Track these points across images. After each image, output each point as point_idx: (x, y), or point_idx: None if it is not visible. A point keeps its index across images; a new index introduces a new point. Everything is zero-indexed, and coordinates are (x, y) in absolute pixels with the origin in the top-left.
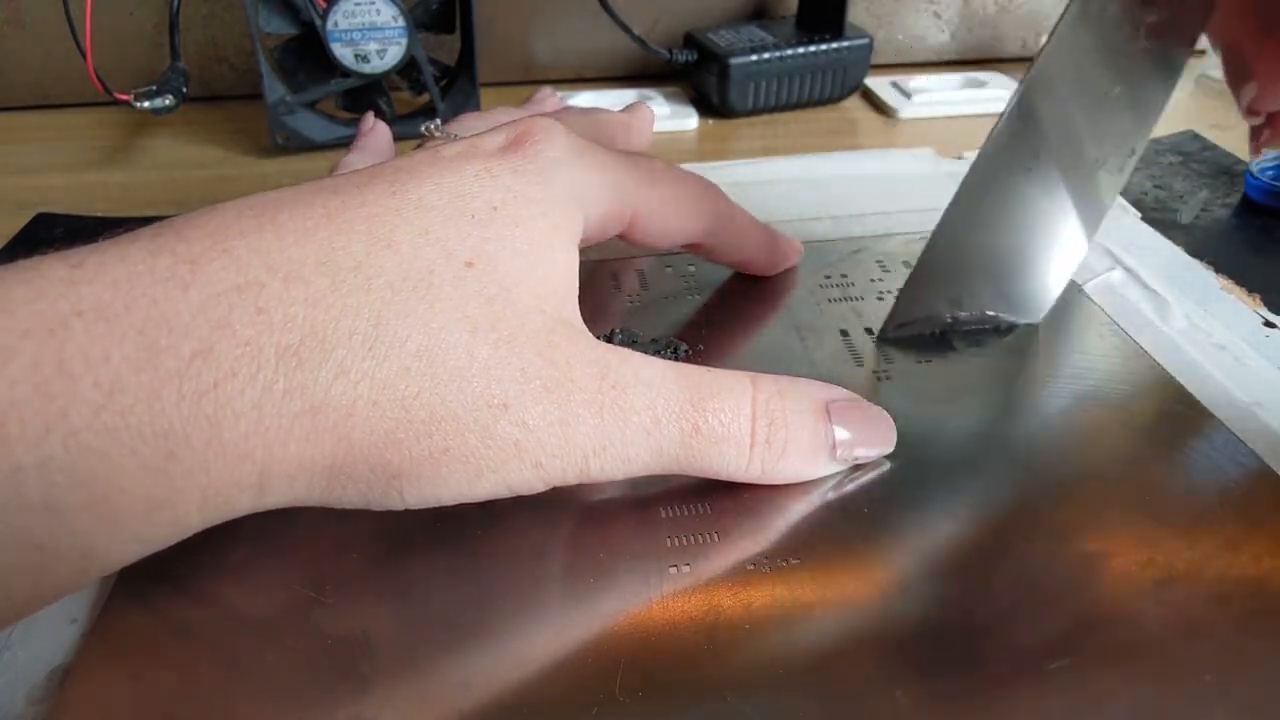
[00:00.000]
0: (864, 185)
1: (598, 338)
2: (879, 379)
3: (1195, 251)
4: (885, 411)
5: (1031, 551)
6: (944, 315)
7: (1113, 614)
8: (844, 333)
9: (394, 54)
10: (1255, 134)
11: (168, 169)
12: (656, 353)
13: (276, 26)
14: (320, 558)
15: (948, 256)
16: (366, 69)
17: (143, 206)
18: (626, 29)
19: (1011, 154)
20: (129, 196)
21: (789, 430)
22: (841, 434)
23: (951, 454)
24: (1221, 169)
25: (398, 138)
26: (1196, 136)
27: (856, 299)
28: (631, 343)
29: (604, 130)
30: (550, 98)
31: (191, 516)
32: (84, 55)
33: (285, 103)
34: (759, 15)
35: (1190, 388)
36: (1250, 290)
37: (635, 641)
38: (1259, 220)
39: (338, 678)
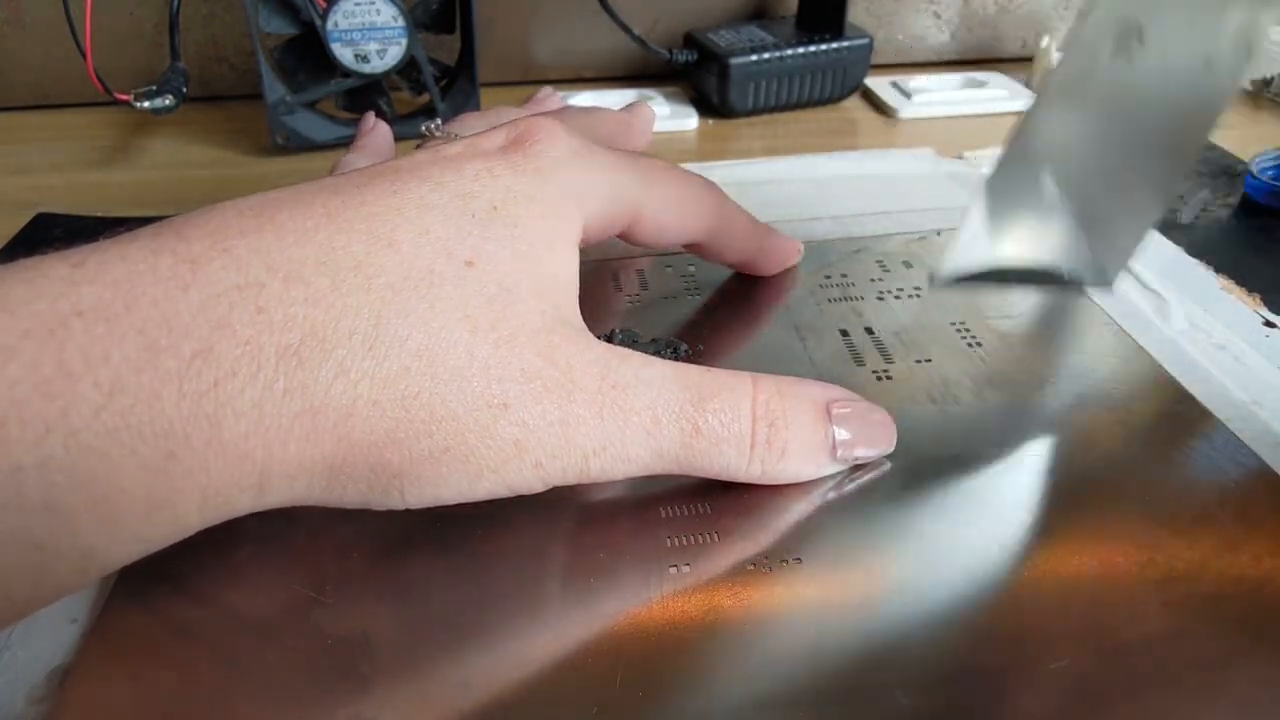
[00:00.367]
0: (864, 185)
1: (598, 338)
2: (879, 379)
3: (1195, 251)
4: (885, 412)
5: (1031, 551)
6: (1010, 259)
7: (1113, 614)
8: (844, 333)
9: (394, 54)
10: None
11: (168, 169)
12: (656, 353)
13: (276, 26)
14: (320, 558)
15: (1017, 182)
16: (366, 69)
17: (143, 206)
18: (626, 29)
19: (1116, 27)
20: (129, 196)
21: (789, 430)
22: (842, 434)
23: (952, 454)
24: (1221, 169)
25: (398, 138)
26: None
27: (856, 299)
28: (631, 343)
29: (604, 130)
30: (551, 97)
31: (191, 516)
32: (84, 55)
33: (285, 103)
34: (759, 15)
35: (1190, 388)
36: (1250, 290)
37: (635, 641)
38: (1259, 220)
39: (338, 678)
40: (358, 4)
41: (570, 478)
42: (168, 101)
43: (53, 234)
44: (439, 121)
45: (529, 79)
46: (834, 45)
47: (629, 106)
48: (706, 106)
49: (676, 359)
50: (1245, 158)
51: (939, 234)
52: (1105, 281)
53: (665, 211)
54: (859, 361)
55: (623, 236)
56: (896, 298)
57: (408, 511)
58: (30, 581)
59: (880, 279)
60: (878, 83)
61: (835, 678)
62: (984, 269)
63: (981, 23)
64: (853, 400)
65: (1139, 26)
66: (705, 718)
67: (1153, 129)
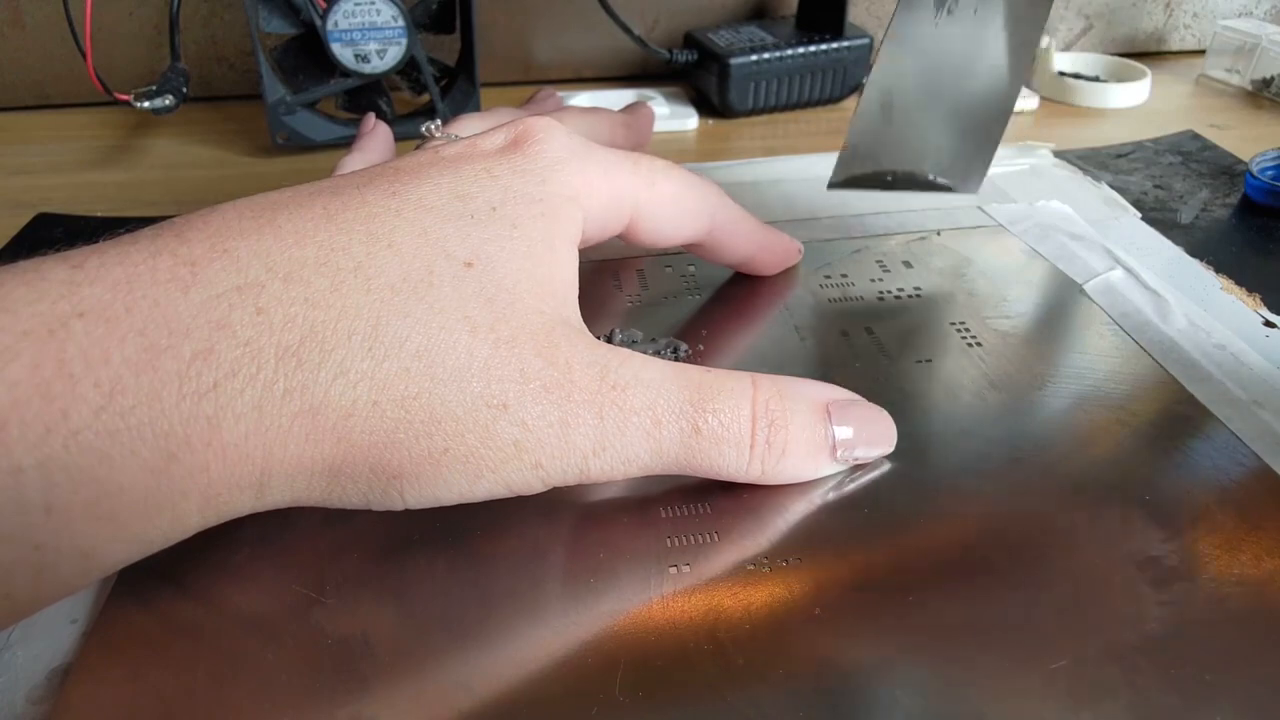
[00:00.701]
0: None
1: (598, 338)
2: (879, 379)
3: (1195, 251)
4: (885, 411)
5: (1031, 551)
6: (884, 172)
7: (1113, 614)
8: (844, 333)
9: (394, 54)
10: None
11: (168, 169)
12: (656, 353)
13: (276, 26)
14: (320, 558)
15: (880, 115)
16: (366, 69)
17: (143, 206)
18: (626, 29)
19: (926, 9)
20: (129, 196)
21: (789, 431)
22: (842, 434)
23: (952, 454)
24: (1221, 169)
25: (398, 138)
26: (1196, 136)
27: (856, 299)
28: (631, 343)
29: (604, 130)
30: (550, 97)
31: (192, 517)
32: (84, 55)
33: (285, 103)
34: (759, 15)
35: (1190, 388)
36: (1250, 290)
37: (635, 641)
38: (1259, 220)
39: (338, 678)
40: (358, 4)
41: (570, 478)
42: (168, 101)
43: (53, 234)
44: (439, 122)
45: (529, 79)
46: (834, 45)
47: (629, 106)
48: (706, 106)
49: (676, 359)
50: (1245, 158)
51: (939, 234)
52: (971, 189)
53: (665, 211)
54: (859, 361)
55: (623, 237)
56: (896, 298)
57: (407, 512)
58: (30, 582)
59: (880, 279)
60: None
61: (835, 678)
62: (866, 176)
63: None
64: (852, 400)
65: None
66: (705, 718)
67: (981, 66)
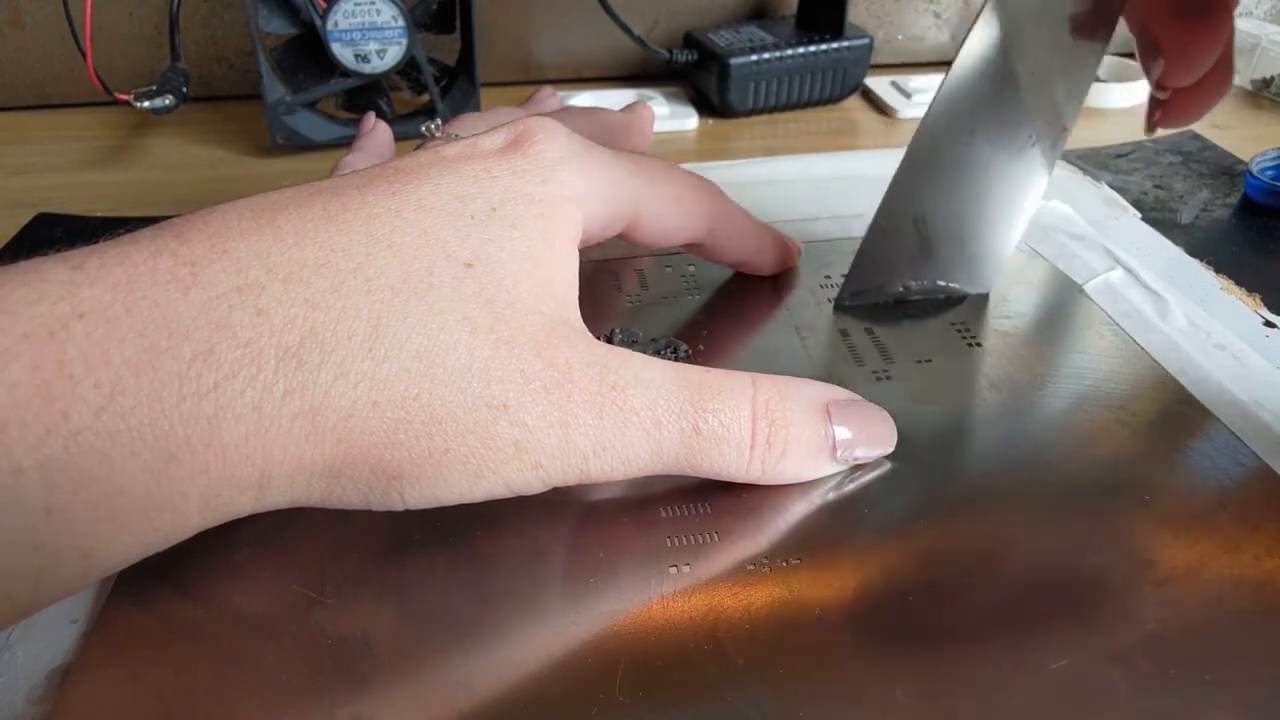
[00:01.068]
0: (864, 185)
1: (598, 338)
2: (879, 379)
3: (1195, 251)
4: (885, 411)
5: (1032, 551)
6: (896, 285)
7: (1113, 614)
8: (844, 333)
9: (394, 54)
10: (1153, 110)
11: (168, 169)
12: (656, 353)
13: (276, 26)
14: (320, 558)
15: (896, 226)
16: (366, 69)
17: (143, 206)
18: (626, 29)
19: (951, 126)
20: (129, 196)
21: (789, 431)
22: (842, 434)
23: (952, 454)
24: (1221, 169)
25: (398, 138)
26: (1196, 136)
27: None
28: (631, 343)
29: (604, 130)
30: (550, 97)
31: (192, 518)
32: (84, 55)
33: (285, 103)
34: (759, 15)
35: (1190, 388)
36: (1250, 290)
37: (635, 641)
38: (1259, 220)
39: (338, 678)
40: (358, 4)
41: (570, 478)
42: (168, 101)
43: (53, 234)
44: (439, 122)
45: (529, 79)
46: (834, 45)
47: (629, 106)
48: (706, 106)
49: (676, 359)
50: (1245, 158)
51: None
52: (985, 287)
53: (665, 211)
54: (859, 361)
55: (623, 236)
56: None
57: (408, 512)
58: (31, 582)
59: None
60: (878, 83)
61: (835, 678)
62: (875, 289)
63: None
64: (853, 400)
65: (969, 130)
66: (705, 718)
67: (1007, 174)
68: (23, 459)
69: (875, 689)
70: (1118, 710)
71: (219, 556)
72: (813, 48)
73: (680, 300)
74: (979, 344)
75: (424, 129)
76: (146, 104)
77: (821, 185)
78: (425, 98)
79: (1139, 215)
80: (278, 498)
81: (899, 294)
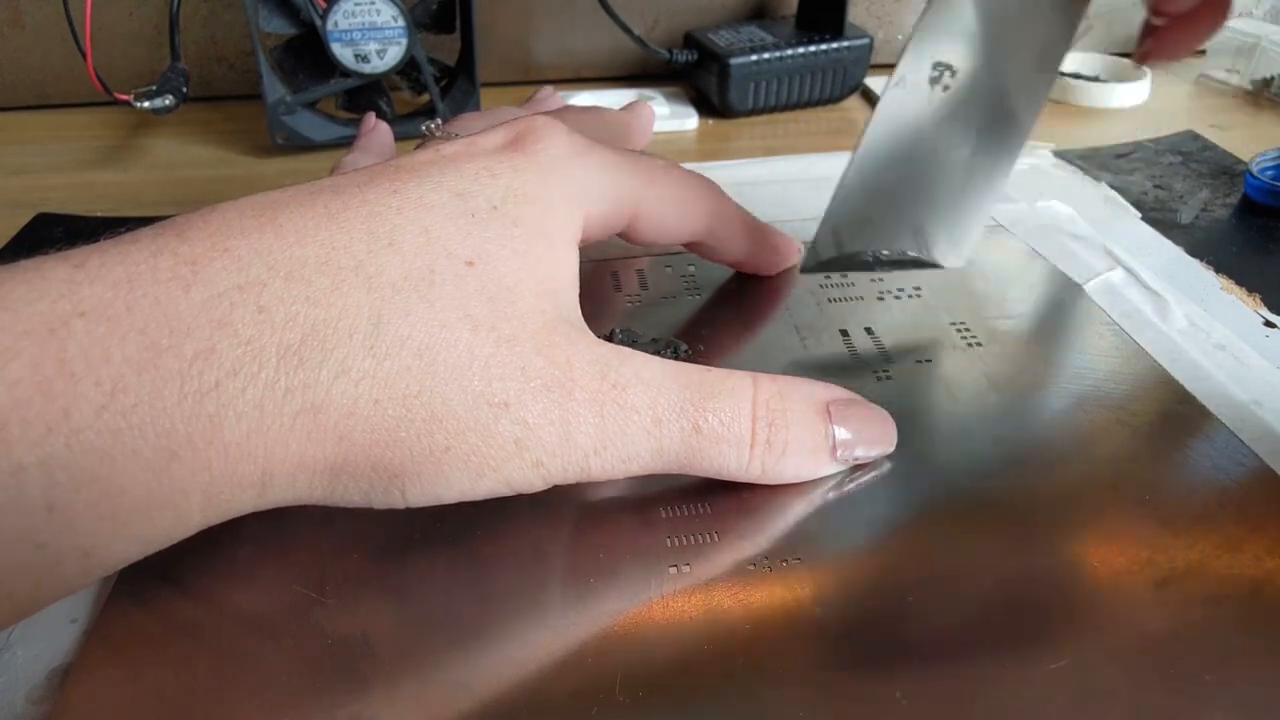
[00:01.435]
0: None
1: (598, 337)
2: (879, 379)
3: (1195, 251)
4: (885, 411)
5: (1032, 551)
6: (864, 252)
7: (1113, 614)
8: (844, 333)
9: (394, 54)
10: (1144, 39)
11: (168, 169)
12: (656, 352)
13: (276, 26)
14: (320, 558)
15: (863, 193)
16: (366, 69)
17: (143, 206)
18: (626, 29)
19: (920, 86)
20: (129, 196)
21: (789, 430)
22: (842, 434)
23: (951, 454)
24: (1221, 169)
25: (398, 138)
26: (1196, 136)
27: (856, 299)
28: (631, 342)
29: (604, 129)
30: (551, 97)
31: (193, 516)
32: (84, 55)
33: (285, 103)
34: (759, 15)
35: (1190, 388)
36: (1250, 290)
37: (635, 641)
38: (1259, 220)
39: (338, 678)
40: (358, 4)
41: (571, 476)
42: (168, 101)
43: (53, 234)
44: (439, 121)
45: (529, 79)
46: (834, 45)
47: (629, 106)
48: (706, 106)
49: (676, 359)
50: (1245, 158)
51: None
52: (956, 262)
53: (665, 210)
54: (859, 361)
55: (623, 235)
56: (896, 298)
57: (408, 511)
58: (32, 581)
59: (880, 279)
60: (878, 83)
61: (835, 678)
62: (844, 257)
63: None
64: (853, 400)
65: (949, 64)
66: (705, 718)
67: (976, 139)
68: (24, 457)
69: (875, 689)
70: (1118, 710)
71: (220, 556)
72: (813, 48)
73: (680, 300)
74: (979, 344)
75: (424, 128)
76: (146, 104)
77: (821, 185)
78: (425, 98)
79: (1139, 215)
80: (279, 496)
81: (868, 262)
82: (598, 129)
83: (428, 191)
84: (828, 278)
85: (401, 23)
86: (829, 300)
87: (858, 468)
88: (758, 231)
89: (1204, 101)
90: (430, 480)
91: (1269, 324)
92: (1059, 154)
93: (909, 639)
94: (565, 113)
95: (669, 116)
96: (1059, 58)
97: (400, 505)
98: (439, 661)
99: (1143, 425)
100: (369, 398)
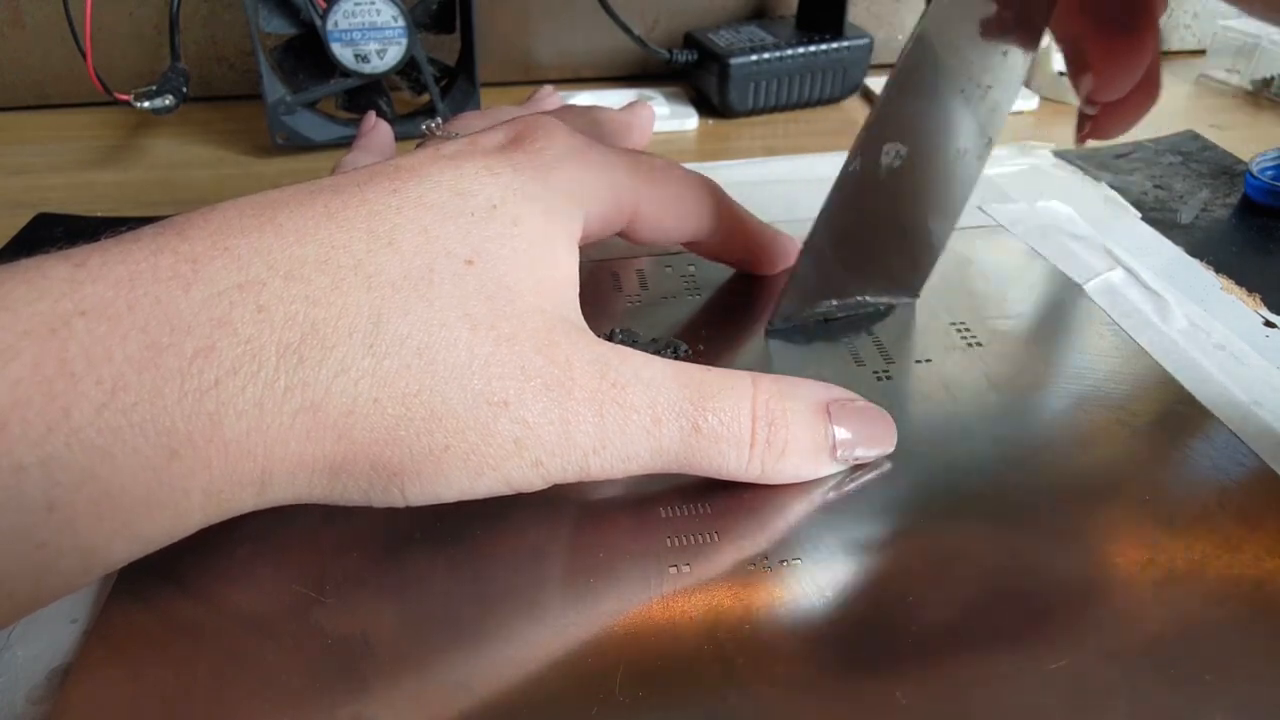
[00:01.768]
0: None
1: (597, 337)
2: (879, 379)
3: (1195, 251)
4: (885, 411)
5: (1032, 551)
6: (821, 306)
7: (1113, 614)
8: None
9: (394, 54)
10: (1082, 123)
11: (168, 169)
12: (656, 352)
13: (276, 26)
14: (320, 557)
15: (828, 251)
16: (366, 69)
17: (143, 206)
18: (626, 29)
19: (881, 144)
20: (129, 196)
21: (789, 430)
22: (842, 434)
23: (952, 454)
24: (1221, 169)
25: (398, 138)
26: (1196, 136)
27: None
28: (631, 342)
29: (604, 128)
30: (551, 96)
31: (194, 514)
32: (84, 55)
33: (285, 103)
34: (759, 15)
35: (1190, 388)
36: (1250, 290)
37: (635, 641)
38: (1259, 220)
39: (338, 678)
40: (358, 4)
41: (570, 475)
42: (168, 101)
43: (53, 234)
44: (439, 120)
45: (529, 79)
46: (834, 45)
47: (629, 105)
48: (706, 106)
49: (676, 359)
50: (1245, 158)
51: None
52: (912, 295)
53: (665, 209)
54: (859, 361)
55: (623, 235)
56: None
57: (407, 510)
58: (32, 580)
59: None
60: (878, 83)
61: (835, 678)
62: (808, 313)
63: None
64: (853, 400)
65: (898, 149)
66: (705, 718)
67: (926, 205)
68: (24, 456)
69: (875, 689)
70: (1118, 710)
71: (220, 555)
72: (813, 48)
73: (680, 300)
74: (979, 344)
75: (424, 127)
76: (146, 104)
77: (821, 185)
78: (425, 98)
79: (1139, 215)
80: (279, 494)
81: (824, 313)
82: (598, 128)
83: (427, 190)
84: None
85: (401, 23)
86: None
87: (858, 468)
88: (758, 231)
89: (1204, 101)
90: (430, 479)
91: (1269, 324)
92: (1059, 154)
93: (909, 639)
94: (565, 112)
95: (669, 116)
96: (1009, 104)
97: (400, 504)
98: (439, 661)
99: (1143, 425)
100: (368, 396)
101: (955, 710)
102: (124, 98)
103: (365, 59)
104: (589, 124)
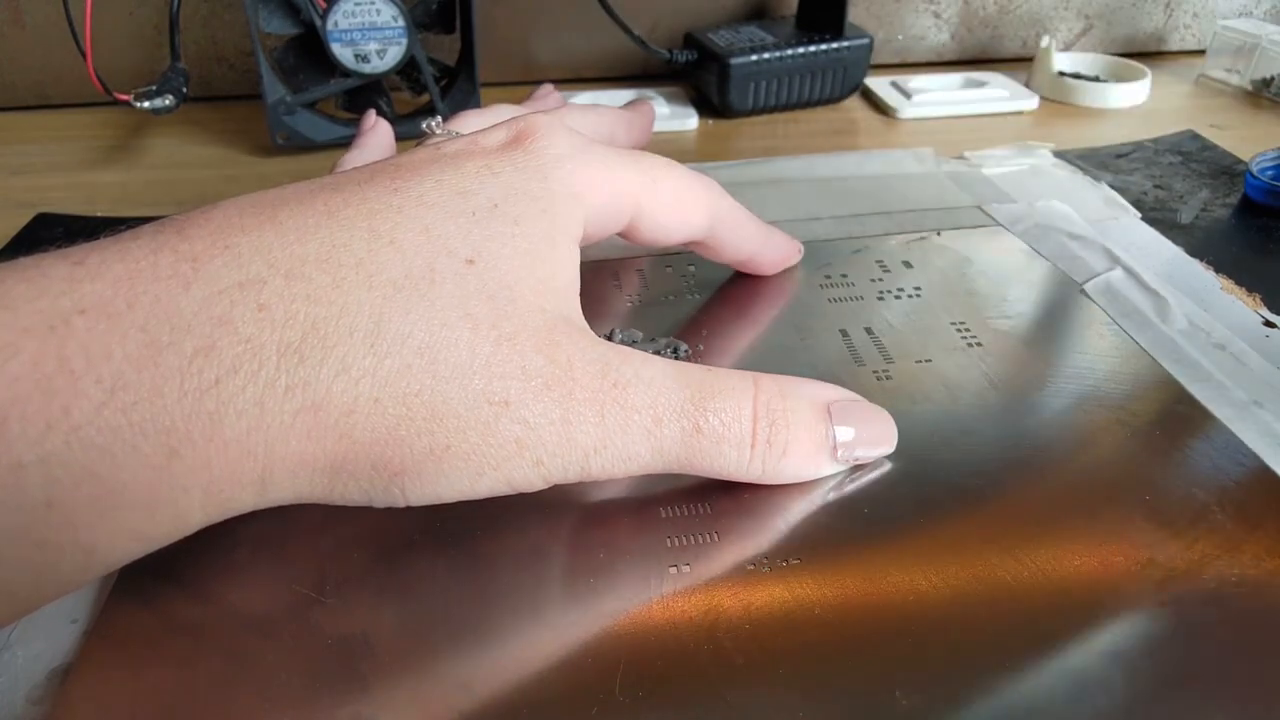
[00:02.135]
0: (864, 185)
1: (598, 337)
2: (879, 379)
3: (1195, 251)
4: (886, 411)
5: (1031, 551)
6: None
7: (1113, 614)
8: (844, 333)
9: (394, 54)
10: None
11: (168, 169)
12: (656, 353)
13: (276, 26)
14: (320, 558)
15: None
16: (366, 69)
17: (143, 206)
18: (626, 29)
19: None
20: (129, 196)
21: (790, 430)
22: (843, 434)
23: (952, 454)
24: (1221, 169)
25: (398, 138)
26: (1196, 136)
27: (856, 299)
28: (631, 343)
29: (605, 127)
30: (551, 94)
31: (194, 513)
32: (84, 55)
33: (285, 103)
34: (759, 15)
35: (1190, 388)
36: (1250, 290)
37: (635, 641)
38: (1259, 220)
39: (338, 678)
40: (358, 4)
41: (571, 475)
42: (168, 101)
43: (53, 234)
44: (440, 119)
45: (529, 79)
46: (834, 45)
47: (630, 104)
48: (706, 106)
49: (677, 359)
50: (1245, 158)
51: (939, 234)
52: None
53: (666, 209)
54: (859, 361)
55: (623, 234)
56: (896, 298)
57: (408, 511)
58: (32, 579)
59: (880, 279)
60: (878, 83)
61: (835, 678)
62: None
63: (981, 23)
64: (853, 400)
65: None
66: (705, 718)
67: None
68: (24, 454)
69: (875, 689)
70: (1118, 710)
71: (220, 555)
72: (813, 48)
73: (680, 300)
74: (979, 344)
75: (424, 126)
76: (146, 104)
77: (821, 185)
78: (425, 98)
79: (1139, 215)
80: (279, 494)
81: None
82: (598, 127)
83: (428, 189)
84: (828, 277)
85: (401, 23)
86: (829, 300)
87: (858, 468)
88: (759, 231)
89: (1204, 101)
90: (430, 479)
91: (1269, 324)
92: (1059, 154)
93: (909, 639)
94: (566, 111)
95: (669, 116)
96: None
97: (400, 504)
98: (439, 661)
99: (1143, 425)
100: (369, 395)
101: (955, 711)
102: (124, 98)
103: (365, 59)
104: (590, 123)
